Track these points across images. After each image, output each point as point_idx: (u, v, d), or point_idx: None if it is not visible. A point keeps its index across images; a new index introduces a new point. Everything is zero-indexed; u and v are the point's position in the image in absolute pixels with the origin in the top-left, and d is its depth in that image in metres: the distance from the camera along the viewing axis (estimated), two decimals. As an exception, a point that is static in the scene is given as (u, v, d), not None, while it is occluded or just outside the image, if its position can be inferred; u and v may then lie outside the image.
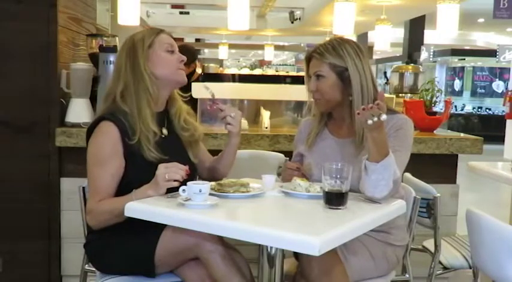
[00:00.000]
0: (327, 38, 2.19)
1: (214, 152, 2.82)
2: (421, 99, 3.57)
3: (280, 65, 20.76)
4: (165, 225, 1.83)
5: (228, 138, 2.17)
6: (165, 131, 2.06)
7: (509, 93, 9.88)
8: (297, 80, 3.88)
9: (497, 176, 2.90)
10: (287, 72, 7.33)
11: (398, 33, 12.52)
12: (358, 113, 1.72)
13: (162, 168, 1.79)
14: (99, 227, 1.96)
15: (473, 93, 15.82)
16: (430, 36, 12.24)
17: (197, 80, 3.92)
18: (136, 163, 1.93)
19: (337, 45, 2.03)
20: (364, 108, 1.71)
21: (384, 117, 1.69)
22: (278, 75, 5.91)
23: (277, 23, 10.64)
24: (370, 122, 1.70)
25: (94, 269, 2.09)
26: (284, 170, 2.12)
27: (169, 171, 1.77)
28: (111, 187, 1.93)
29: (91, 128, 1.99)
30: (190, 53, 4.24)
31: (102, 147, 1.94)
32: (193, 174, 2.07)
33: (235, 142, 2.15)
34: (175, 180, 1.77)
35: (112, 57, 2.93)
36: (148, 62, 1.98)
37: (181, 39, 14.49)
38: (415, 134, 3.12)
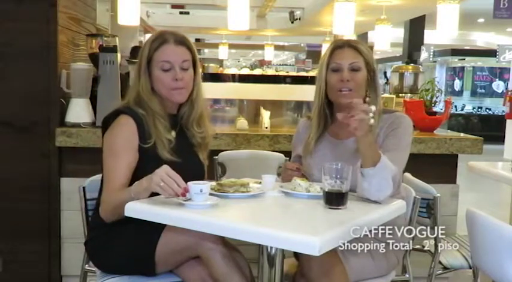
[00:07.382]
0: (327, 38, 2.20)
1: (214, 152, 2.83)
2: (421, 99, 3.58)
3: (280, 65, 20.74)
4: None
5: None
6: (173, 134, 2.03)
7: (509, 93, 9.91)
8: (296, 80, 3.89)
9: (497, 176, 2.90)
10: (287, 72, 7.32)
11: (398, 33, 12.51)
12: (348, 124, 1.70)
13: (163, 173, 1.70)
14: (111, 220, 1.90)
15: (473, 93, 15.83)
16: (430, 36, 12.23)
17: None
18: (150, 160, 1.91)
19: (366, 47, 2.07)
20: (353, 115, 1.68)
21: (372, 121, 1.70)
22: (278, 75, 5.89)
23: (277, 23, 10.63)
24: (372, 121, 1.70)
25: (94, 268, 2.08)
26: (284, 171, 2.12)
27: (166, 182, 1.68)
28: (125, 177, 1.90)
29: (108, 120, 1.99)
30: None
31: (117, 139, 1.94)
32: (202, 176, 2.07)
33: None
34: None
35: (112, 57, 2.93)
36: (149, 77, 1.99)
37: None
38: (415, 134, 3.12)
